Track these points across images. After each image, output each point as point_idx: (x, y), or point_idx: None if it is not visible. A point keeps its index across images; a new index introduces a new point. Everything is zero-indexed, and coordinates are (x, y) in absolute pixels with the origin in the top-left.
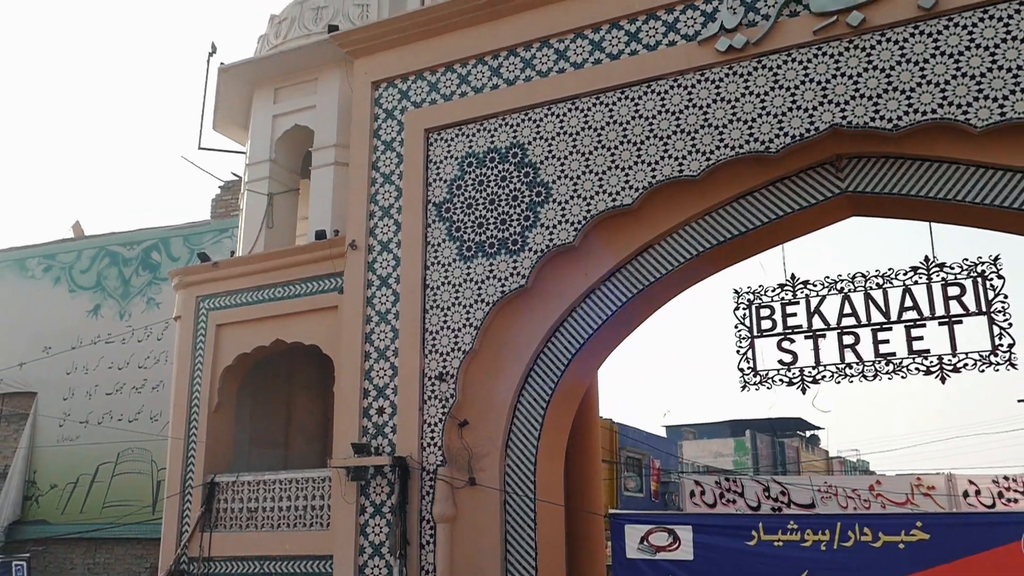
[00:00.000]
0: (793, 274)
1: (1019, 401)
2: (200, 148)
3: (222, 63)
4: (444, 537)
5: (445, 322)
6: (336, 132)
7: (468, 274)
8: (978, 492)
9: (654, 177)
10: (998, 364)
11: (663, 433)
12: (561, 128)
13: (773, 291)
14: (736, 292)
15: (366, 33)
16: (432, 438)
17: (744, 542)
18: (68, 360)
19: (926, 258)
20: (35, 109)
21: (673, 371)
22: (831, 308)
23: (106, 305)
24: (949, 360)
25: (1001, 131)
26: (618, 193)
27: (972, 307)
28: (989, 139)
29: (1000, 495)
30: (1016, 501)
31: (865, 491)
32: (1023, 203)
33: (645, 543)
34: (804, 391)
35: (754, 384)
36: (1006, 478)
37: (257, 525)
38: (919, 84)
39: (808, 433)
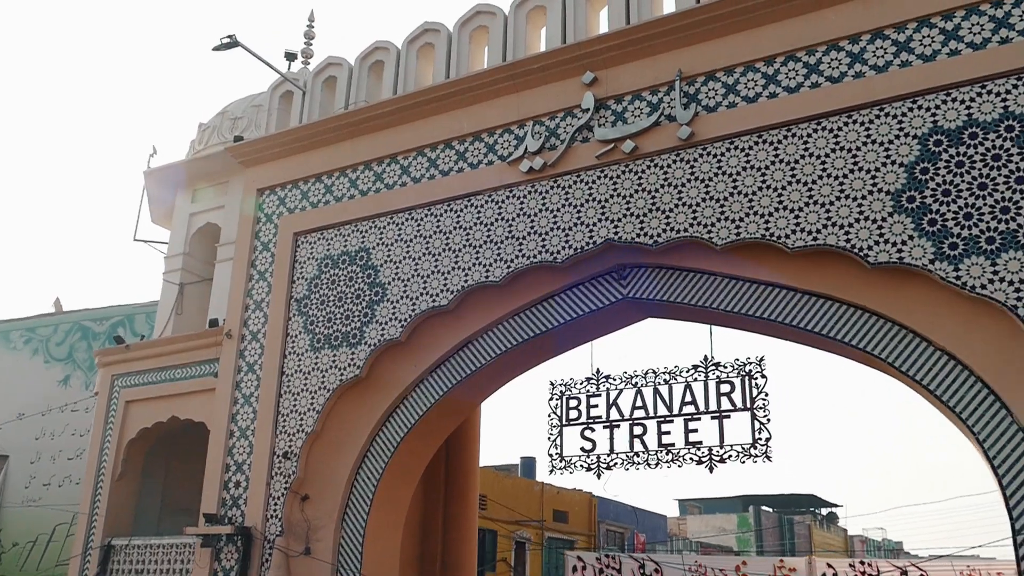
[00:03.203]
0: (598, 369)
1: None
2: (135, 240)
3: (148, 167)
4: None
5: (294, 406)
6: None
7: (316, 363)
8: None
9: (467, 282)
10: (756, 456)
11: (675, 507)
12: (399, 235)
13: (581, 384)
14: (551, 384)
15: (253, 147)
16: (275, 510)
17: None
18: (38, 426)
19: (705, 358)
20: (28, 187)
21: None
22: (627, 401)
23: (75, 376)
24: (717, 451)
25: (741, 248)
26: (438, 295)
27: (739, 403)
28: (731, 255)
29: None
30: None
31: (732, 572)
32: (768, 313)
33: None
34: (599, 476)
35: (560, 468)
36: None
37: None
38: (676, 205)
39: (825, 511)
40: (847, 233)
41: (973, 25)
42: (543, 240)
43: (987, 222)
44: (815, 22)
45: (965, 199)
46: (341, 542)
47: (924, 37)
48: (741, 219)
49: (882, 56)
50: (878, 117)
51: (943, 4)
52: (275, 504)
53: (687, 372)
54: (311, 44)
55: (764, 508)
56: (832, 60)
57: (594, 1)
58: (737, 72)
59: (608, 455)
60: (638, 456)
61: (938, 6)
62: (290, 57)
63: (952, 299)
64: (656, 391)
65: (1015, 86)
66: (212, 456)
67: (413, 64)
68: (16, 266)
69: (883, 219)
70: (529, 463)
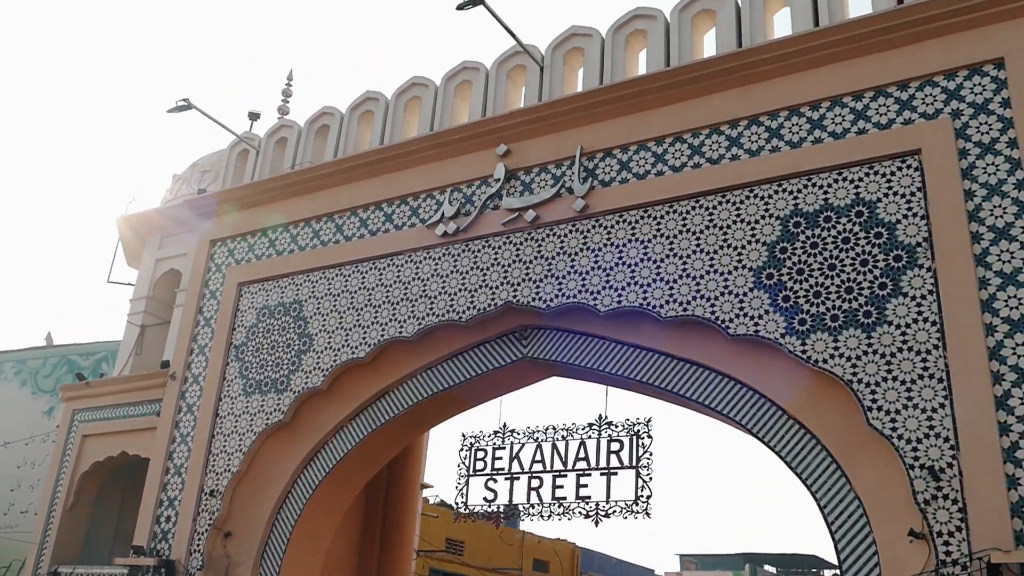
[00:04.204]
0: (505, 423)
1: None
2: (108, 281)
3: (121, 215)
4: None
5: (224, 447)
6: None
7: (246, 407)
8: None
9: (383, 336)
10: (637, 512)
11: (676, 563)
12: (329, 289)
13: (488, 437)
14: (463, 436)
15: (209, 200)
16: (199, 545)
17: None
18: (20, 455)
19: (599, 416)
20: (26, 226)
21: (691, 500)
22: (528, 454)
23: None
24: (603, 506)
25: (624, 315)
26: (356, 347)
27: (626, 461)
28: (616, 321)
29: None
30: None
31: None
32: (647, 378)
33: None
34: (497, 525)
35: (465, 516)
36: None
37: None
38: (569, 272)
39: (829, 573)
40: (713, 305)
41: (836, 116)
42: (451, 300)
43: (833, 300)
44: (700, 107)
45: (816, 278)
46: None
47: (793, 125)
48: (623, 288)
49: (756, 141)
50: (748, 198)
51: (811, 95)
52: (199, 539)
53: (583, 429)
54: (288, 101)
55: (767, 567)
56: (713, 143)
57: (515, 77)
58: (631, 150)
59: (508, 505)
60: (534, 507)
61: (807, 96)
62: (253, 117)
63: (801, 371)
64: (554, 446)
65: (867, 174)
66: (148, 491)
67: (354, 129)
68: (12, 301)
69: (744, 294)
70: (511, 511)
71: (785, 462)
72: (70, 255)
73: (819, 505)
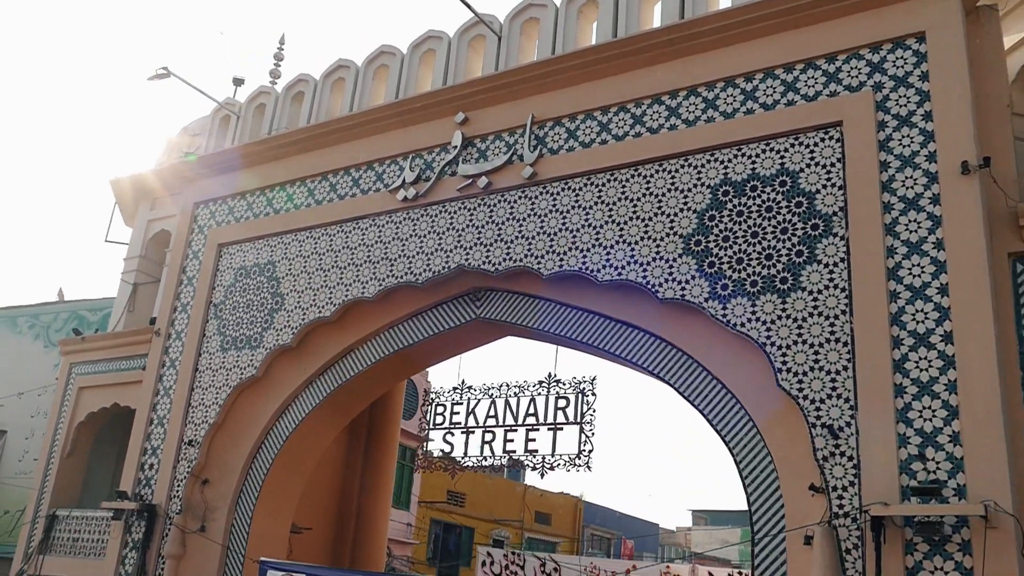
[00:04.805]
0: (463, 380)
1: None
2: (106, 241)
3: (115, 178)
4: (171, 571)
5: (203, 399)
6: None
7: (223, 362)
8: None
9: (347, 296)
10: (579, 466)
11: (688, 517)
12: (300, 251)
13: (448, 393)
14: (425, 392)
15: (192, 164)
16: (178, 491)
17: None
18: (34, 405)
19: (549, 375)
20: (41, 184)
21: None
22: (483, 410)
23: None
24: (549, 460)
25: (566, 278)
26: (323, 307)
27: (572, 418)
28: (559, 284)
29: None
30: None
31: (622, 574)
32: (586, 338)
33: None
34: (453, 476)
35: (424, 467)
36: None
37: (77, 552)
38: (516, 237)
39: None
40: (645, 270)
41: (767, 87)
42: (410, 262)
43: (753, 267)
44: (644, 78)
45: (740, 245)
46: (233, 523)
47: (728, 96)
48: (565, 253)
49: (693, 111)
50: (683, 167)
51: (746, 66)
52: (179, 486)
53: (533, 387)
54: (280, 65)
55: None
56: (654, 113)
57: (475, 46)
58: (579, 119)
59: (462, 457)
60: (486, 460)
61: (742, 68)
62: (237, 82)
63: (723, 333)
64: (507, 403)
65: (792, 145)
66: (133, 440)
67: (327, 96)
68: (27, 259)
69: (674, 259)
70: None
71: (707, 420)
72: (82, 214)
73: (735, 460)
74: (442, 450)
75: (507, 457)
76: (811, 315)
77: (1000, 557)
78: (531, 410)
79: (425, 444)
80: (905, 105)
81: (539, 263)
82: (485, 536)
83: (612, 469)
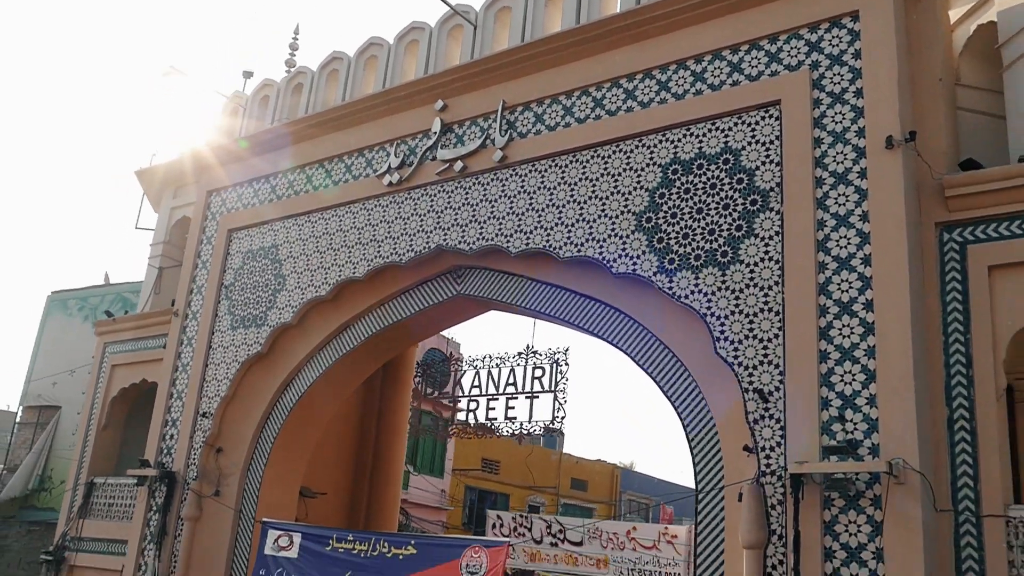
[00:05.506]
0: (451, 352)
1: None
2: (136, 228)
3: (139, 168)
4: (188, 532)
5: (216, 374)
6: None
7: (233, 339)
8: None
9: (340, 276)
10: (553, 432)
11: None
12: (300, 235)
13: (437, 364)
14: (418, 364)
15: (206, 154)
16: (194, 459)
17: (324, 548)
18: (84, 382)
19: (527, 346)
20: (85, 174)
21: None
22: (468, 380)
23: None
24: (526, 426)
25: (533, 255)
26: (320, 287)
27: (547, 386)
28: (527, 261)
29: None
30: None
31: (623, 536)
32: (554, 312)
33: (275, 544)
34: (444, 441)
35: (416, 435)
36: None
37: (111, 515)
38: (489, 217)
39: None
40: (601, 246)
41: (715, 69)
42: (395, 244)
43: (698, 242)
44: (604, 61)
45: (686, 221)
46: (245, 488)
47: (679, 78)
48: (531, 231)
49: (647, 93)
50: (637, 147)
51: (696, 49)
52: (195, 454)
53: (513, 358)
54: (295, 55)
55: None
56: (612, 96)
57: (455, 35)
58: (545, 103)
59: (448, 424)
60: (469, 426)
61: (692, 50)
62: (247, 75)
63: (671, 305)
64: (489, 373)
65: (735, 124)
66: (156, 413)
67: (323, 87)
68: (76, 246)
69: (627, 236)
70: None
71: (659, 386)
72: (124, 202)
73: (682, 423)
74: (432, 417)
75: (489, 423)
76: (747, 287)
77: (904, 509)
78: (511, 380)
79: (419, 412)
80: (839, 83)
81: (508, 242)
82: (521, 502)
83: (657, 439)
